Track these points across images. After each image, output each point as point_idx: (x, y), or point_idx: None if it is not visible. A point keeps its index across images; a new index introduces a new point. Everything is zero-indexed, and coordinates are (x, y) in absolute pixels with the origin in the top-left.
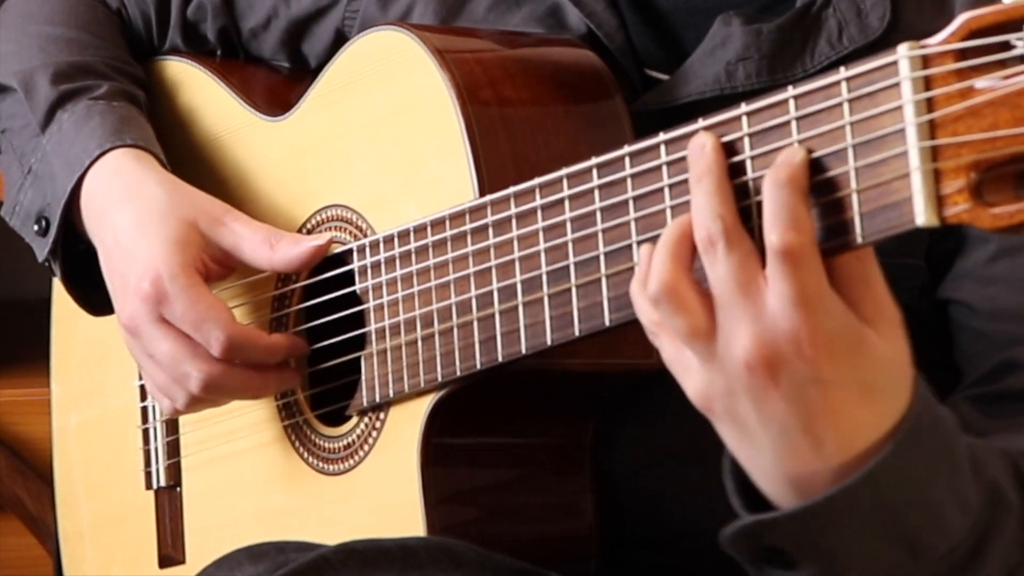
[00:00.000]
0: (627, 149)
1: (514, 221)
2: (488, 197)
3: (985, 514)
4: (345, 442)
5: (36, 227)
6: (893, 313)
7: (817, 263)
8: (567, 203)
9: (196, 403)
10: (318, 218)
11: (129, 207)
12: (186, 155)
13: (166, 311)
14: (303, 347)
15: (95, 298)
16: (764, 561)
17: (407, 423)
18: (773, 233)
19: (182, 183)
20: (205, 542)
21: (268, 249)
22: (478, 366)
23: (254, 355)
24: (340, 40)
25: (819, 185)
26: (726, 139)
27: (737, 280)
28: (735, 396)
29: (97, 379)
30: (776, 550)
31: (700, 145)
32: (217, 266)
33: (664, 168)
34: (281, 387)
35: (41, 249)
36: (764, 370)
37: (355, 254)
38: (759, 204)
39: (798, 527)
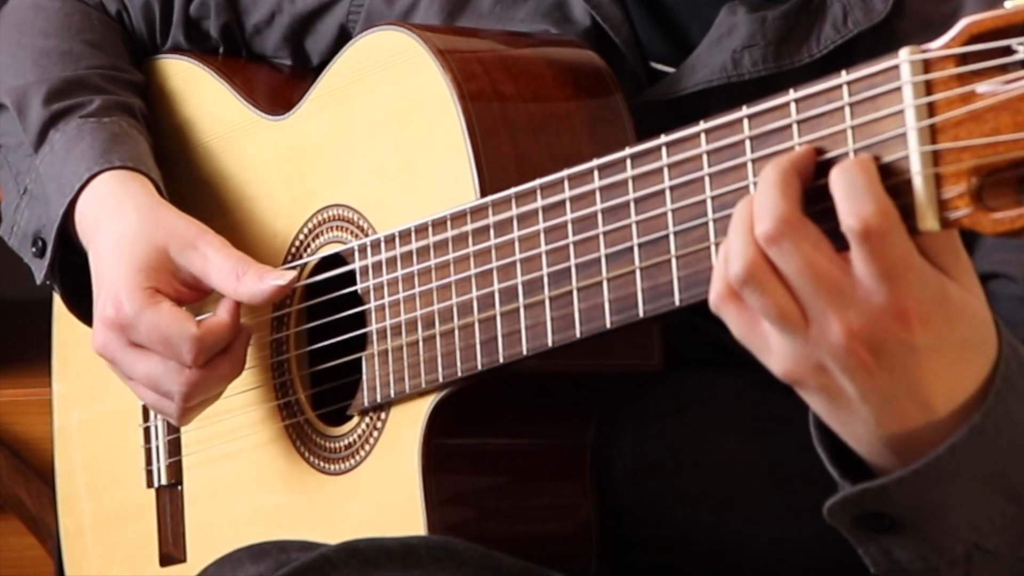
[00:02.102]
0: (628, 151)
1: (515, 222)
2: (489, 198)
3: None
4: (346, 442)
5: (33, 248)
6: (967, 260)
7: (902, 235)
8: (568, 204)
9: (189, 412)
10: (319, 217)
11: (107, 234)
12: (187, 155)
13: (133, 336)
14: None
15: None
16: (866, 527)
17: (408, 423)
18: (849, 216)
19: (161, 206)
20: (206, 541)
21: (234, 280)
22: (479, 367)
23: (225, 342)
24: (343, 36)
25: (819, 189)
26: (726, 142)
27: (814, 270)
28: (831, 373)
29: (98, 377)
30: (880, 515)
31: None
32: (189, 290)
33: (666, 170)
34: (246, 348)
35: (39, 271)
36: (865, 350)
37: (356, 253)
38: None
39: (906, 491)
